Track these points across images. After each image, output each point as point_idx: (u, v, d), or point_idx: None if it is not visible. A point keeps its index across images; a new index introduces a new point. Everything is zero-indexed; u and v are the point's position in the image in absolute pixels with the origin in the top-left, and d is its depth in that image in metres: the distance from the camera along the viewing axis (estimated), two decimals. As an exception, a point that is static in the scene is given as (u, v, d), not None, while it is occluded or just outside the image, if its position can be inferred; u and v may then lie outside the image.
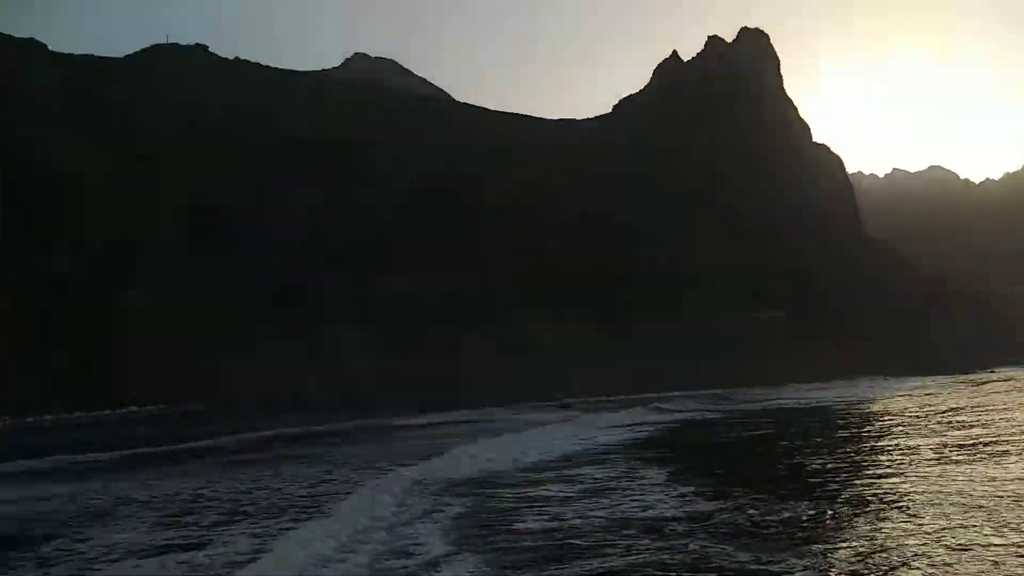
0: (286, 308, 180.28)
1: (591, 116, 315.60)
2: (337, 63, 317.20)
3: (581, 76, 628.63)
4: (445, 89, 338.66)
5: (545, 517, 29.00)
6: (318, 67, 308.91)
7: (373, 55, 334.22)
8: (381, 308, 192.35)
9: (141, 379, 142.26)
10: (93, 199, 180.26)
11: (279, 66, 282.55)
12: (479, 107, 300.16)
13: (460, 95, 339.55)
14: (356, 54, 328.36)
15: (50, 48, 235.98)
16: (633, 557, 22.10)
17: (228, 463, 65.60)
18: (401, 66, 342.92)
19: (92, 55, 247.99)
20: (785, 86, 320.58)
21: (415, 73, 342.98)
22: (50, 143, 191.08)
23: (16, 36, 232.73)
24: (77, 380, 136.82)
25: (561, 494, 34.68)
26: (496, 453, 56.38)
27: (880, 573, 19.52)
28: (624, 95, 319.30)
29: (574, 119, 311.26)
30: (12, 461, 73.87)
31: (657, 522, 27.07)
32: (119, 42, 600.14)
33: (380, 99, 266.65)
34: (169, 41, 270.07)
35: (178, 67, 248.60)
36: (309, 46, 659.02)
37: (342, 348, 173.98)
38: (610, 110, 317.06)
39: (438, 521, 29.11)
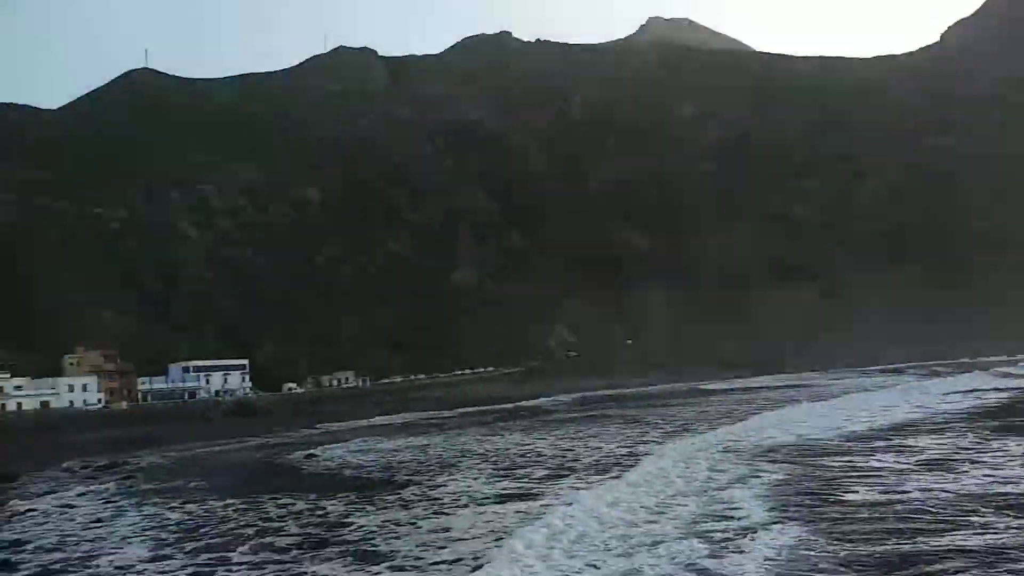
0: (594, 273, 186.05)
1: (913, 49, 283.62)
2: (633, 30, 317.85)
3: (894, 4, 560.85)
4: (743, 41, 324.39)
5: (878, 489, 26.99)
6: (616, 37, 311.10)
7: (668, 16, 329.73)
8: (690, 270, 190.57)
9: (470, 345, 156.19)
10: (426, 183, 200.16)
11: (579, 41, 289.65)
12: (781, 54, 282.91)
13: (758, 44, 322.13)
14: (651, 18, 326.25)
15: (379, 53, 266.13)
16: (992, 536, 19.76)
17: (549, 421, 70.11)
18: (697, 23, 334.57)
19: (414, 54, 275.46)
20: None
21: (711, 29, 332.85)
22: (384, 135, 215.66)
23: (352, 46, 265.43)
24: (416, 347, 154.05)
25: (896, 465, 32.03)
26: (816, 419, 53.61)
27: None
28: (952, 20, 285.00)
29: (892, 55, 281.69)
30: (373, 418, 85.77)
31: (1021, 498, 24.05)
32: (433, 38, 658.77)
33: (680, 59, 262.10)
34: (476, 33, 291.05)
35: (486, 54, 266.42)
36: (606, 17, 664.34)
37: (650, 311, 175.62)
38: (937, 39, 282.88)
39: (754, 487, 28.49)
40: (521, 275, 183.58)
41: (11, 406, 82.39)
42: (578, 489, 30.00)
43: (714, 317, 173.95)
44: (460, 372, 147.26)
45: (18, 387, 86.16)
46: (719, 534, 21.41)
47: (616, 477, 32.39)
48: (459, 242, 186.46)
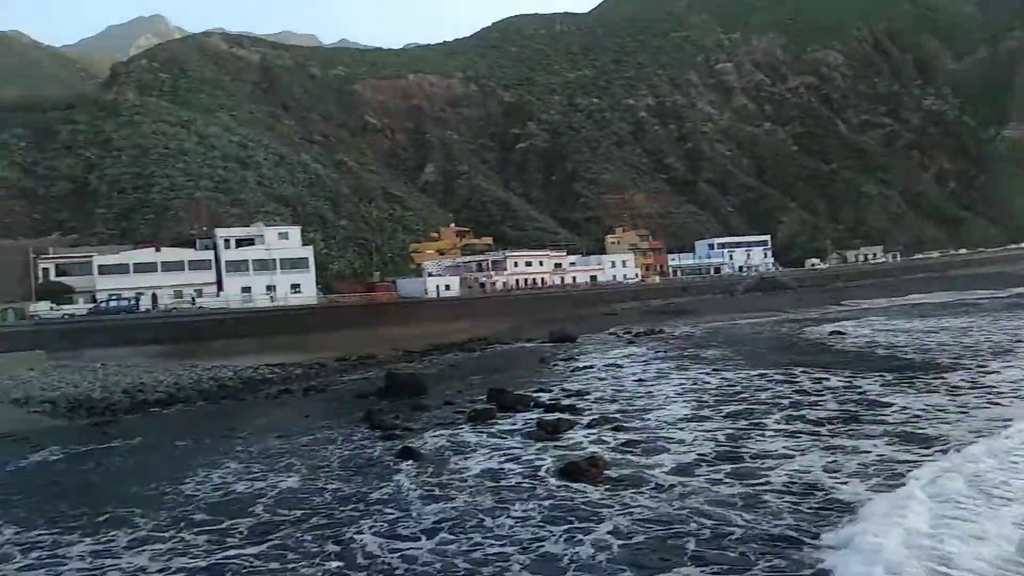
0: None
1: None
2: None
3: None
4: None
5: None
6: None
7: None
8: None
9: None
10: (970, 26, 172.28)
11: None
12: None
13: None
14: None
15: None
16: None
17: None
18: None
19: None
20: None
21: None
22: None
23: None
24: (957, 219, 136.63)
25: None
26: None
27: None
28: None
29: None
30: (906, 296, 79.71)
31: None
32: None
33: None
34: None
35: None
36: None
37: None
38: None
39: None
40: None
41: (568, 279, 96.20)
42: None
43: None
44: (1014, 246, 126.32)
45: (572, 263, 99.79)
46: None
47: None
48: (1015, 91, 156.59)
